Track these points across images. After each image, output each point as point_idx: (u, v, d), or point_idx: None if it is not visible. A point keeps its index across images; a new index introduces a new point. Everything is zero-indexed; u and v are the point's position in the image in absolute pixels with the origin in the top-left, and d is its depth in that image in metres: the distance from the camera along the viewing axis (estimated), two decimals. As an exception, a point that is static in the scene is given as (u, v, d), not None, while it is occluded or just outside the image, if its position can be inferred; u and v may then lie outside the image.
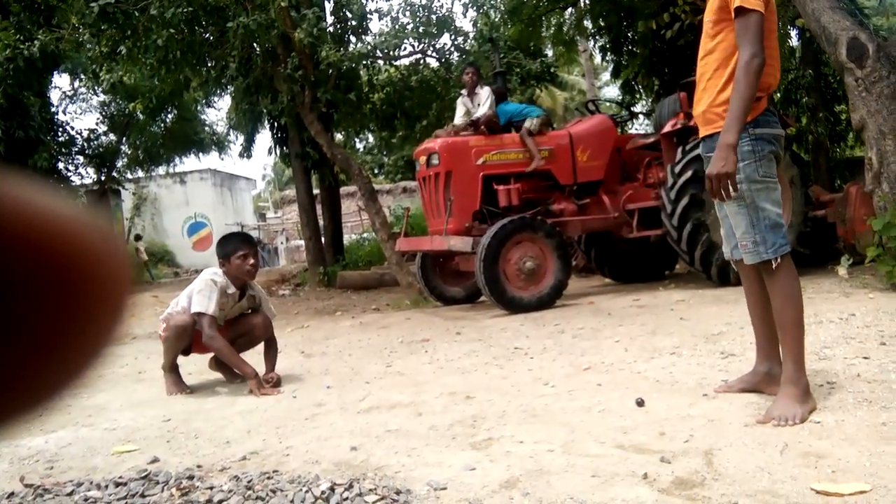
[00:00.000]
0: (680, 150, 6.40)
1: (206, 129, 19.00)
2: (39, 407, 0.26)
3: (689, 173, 6.09)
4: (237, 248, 3.72)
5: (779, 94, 10.14)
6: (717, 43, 2.54)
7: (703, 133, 2.66)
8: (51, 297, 0.24)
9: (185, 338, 3.76)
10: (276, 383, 3.72)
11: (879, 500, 1.68)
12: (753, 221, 2.46)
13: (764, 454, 2.04)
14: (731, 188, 2.40)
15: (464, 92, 7.11)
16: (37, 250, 0.23)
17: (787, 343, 2.46)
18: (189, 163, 20.69)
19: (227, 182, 26.74)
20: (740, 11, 2.39)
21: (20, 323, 0.23)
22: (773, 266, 2.44)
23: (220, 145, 19.37)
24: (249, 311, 3.97)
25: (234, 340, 3.86)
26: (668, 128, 6.72)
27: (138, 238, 19.70)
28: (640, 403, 2.71)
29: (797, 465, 1.93)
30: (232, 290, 3.77)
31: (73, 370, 0.26)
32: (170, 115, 16.86)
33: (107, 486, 2.27)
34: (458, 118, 7.04)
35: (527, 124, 6.61)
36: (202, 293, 3.66)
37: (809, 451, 2.04)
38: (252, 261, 3.75)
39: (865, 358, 3.06)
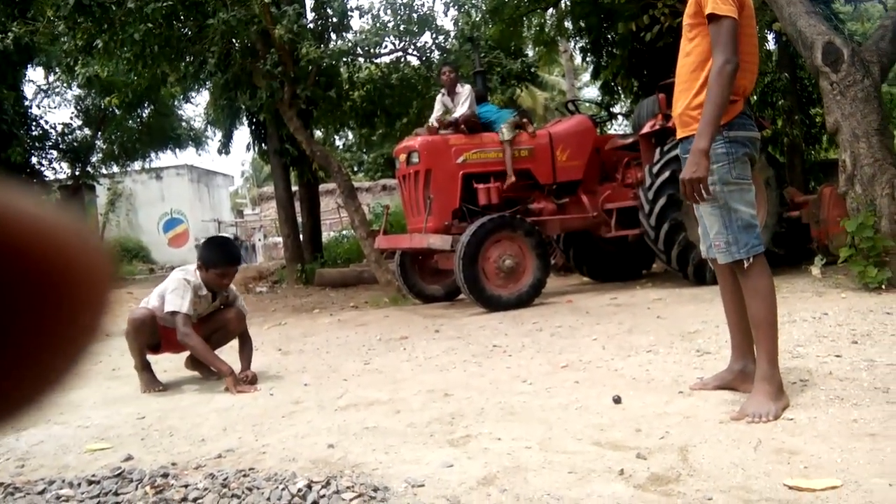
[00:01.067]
0: (658, 150, 6.45)
1: (184, 124, 18.80)
2: (23, 410, 0.25)
3: (666, 174, 6.15)
4: (218, 265, 3.66)
5: (755, 97, 10.26)
6: (693, 46, 2.58)
7: (679, 135, 2.69)
8: (29, 300, 0.23)
9: (144, 332, 3.69)
10: (253, 380, 3.69)
11: (850, 495, 1.71)
12: (726, 222, 2.50)
13: (738, 450, 2.07)
14: (703, 192, 2.44)
15: (443, 90, 7.10)
16: (13, 253, 0.23)
17: (761, 341, 2.49)
18: (165, 158, 20.50)
19: (205, 178, 26.46)
20: (713, 18, 2.43)
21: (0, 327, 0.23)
22: (746, 266, 2.48)
23: (198, 141, 19.17)
24: (222, 307, 3.93)
25: (208, 337, 3.82)
26: (646, 129, 6.78)
27: None
28: (617, 401, 2.73)
29: (770, 462, 1.96)
30: (204, 291, 3.74)
31: (55, 373, 0.25)
32: (146, 110, 16.66)
33: (79, 485, 2.24)
34: (435, 117, 7.03)
35: (500, 136, 6.60)
36: (175, 292, 3.62)
37: (782, 447, 2.07)
38: (227, 280, 3.74)
39: (837, 356, 3.11)
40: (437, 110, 7.07)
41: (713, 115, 2.41)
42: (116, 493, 2.14)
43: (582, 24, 11.03)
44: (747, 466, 1.94)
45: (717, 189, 2.49)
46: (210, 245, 3.76)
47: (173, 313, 3.60)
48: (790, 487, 1.78)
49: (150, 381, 3.79)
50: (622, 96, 12.04)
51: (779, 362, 2.51)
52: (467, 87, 6.93)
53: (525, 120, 6.96)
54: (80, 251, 0.25)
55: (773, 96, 10.14)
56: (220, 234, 4.50)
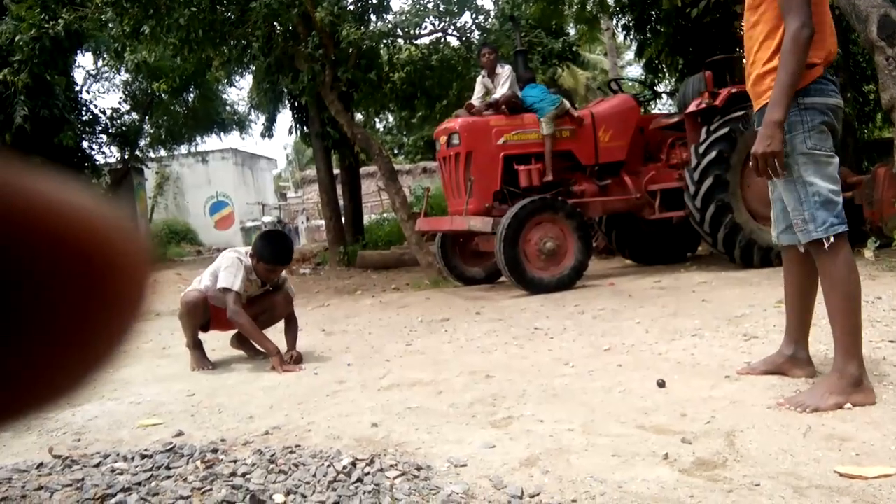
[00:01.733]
0: (704, 130, 6.30)
1: (228, 108, 19.06)
2: (66, 394, 0.26)
3: (713, 154, 6.01)
4: (270, 261, 3.74)
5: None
6: (760, 14, 2.44)
7: (756, 107, 2.53)
8: (69, 289, 0.24)
9: (197, 314, 3.80)
10: (298, 360, 3.77)
11: (904, 483, 1.66)
12: (801, 197, 2.34)
13: (787, 436, 2.03)
14: (778, 167, 2.31)
15: (484, 72, 7.05)
16: (54, 243, 0.24)
17: (835, 331, 2.33)
18: (211, 142, 20.85)
19: (249, 161, 26.86)
20: None
21: (40, 315, 0.24)
22: (826, 246, 2.30)
23: (242, 125, 19.44)
24: (270, 289, 4.01)
25: (255, 318, 3.90)
26: (692, 107, 6.62)
27: None
28: (661, 385, 2.70)
29: (820, 448, 1.92)
30: (254, 276, 3.84)
31: (94, 358, 0.26)
32: (192, 95, 16.93)
33: (133, 458, 2.32)
34: (476, 98, 6.98)
35: (541, 129, 6.49)
36: (228, 269, 3.73)
37: (833, 433, 2.02)
38: (273, 276, 3.84)
39: (892, 342, 3.02)
40: (478, 92, 7.03)
41: (788, 84, 2.26)
42: (168, 468, 2.21)
43: (625, 1, 10.80)
44: (796, 452, 1.90)
45: (790, 161, 2.34)
46: (266, 239, 3.82)
47: (225, 290, 3.69)
48: (841, 475, 1.74)
49: (201, 360, 3.90)
50: (667, 74, 11.78)
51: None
52: (507, 67, 6.86)
53: (569, 108, 6.77)
54: (119, 237, 0.26)
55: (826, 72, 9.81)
56: (278, 230, 4.58)
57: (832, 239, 2.29)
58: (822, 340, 3.09)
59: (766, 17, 2.43)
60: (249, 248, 3.86)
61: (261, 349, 3.84)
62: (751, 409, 2.31)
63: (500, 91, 6.70)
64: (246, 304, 3.89)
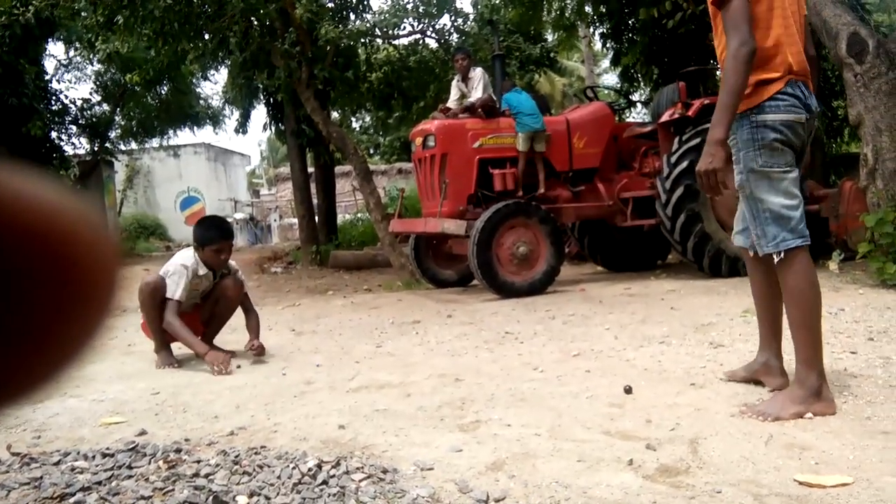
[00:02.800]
0: (677, 140, 6.39)
1: (202, 102, 18.85)
2: (32, 393, 0.26)
3: (684, 164, 6.09)
4: (213, 240, 3.76)
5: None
6: (720, 35, 2.49)
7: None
8: (36, 285, 0.24)
9: (158, 297, 3.74)
10: (259, 351, 3.76)
11: (861, 493, 1.70)
12: (754, 213, 2.39)
13: (749, 444, 2.06)
14: (720, 184, 2.36)
15: (458, 76, 7.07)
16: (19, 238, 0.23)
17: (796, 342, 2.37)
18: (183, 136, 20.57)
19: (222, 157, 26.57)
20: (721, 3, 2.33)
21: (5, 312, 0.23)
22: (776, 261, 2.36)
23: (216, 119, 19.23)
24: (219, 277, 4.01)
25: (211, 312, 4.02)
26: (665, 117, 6.71)
27: None
28: (628, 391, 2.73)
29: (781, 457, 1.95)
30: (204, 271, 3.85)
31: (62, 356, 0.26)
32: (165, 87, 16.71)
33: (94, 457, 2.28)
34: (452, 101, 7.00)
35: (516, 144, 6.45)
36: (172, 278, 3.74)
37: (794, 442, 2.06)
38: (224, 255, 3.81)
39: (853, 353, 3.09)
40: (454, 95, 7.04)
41: (727, 103, 2.30)
42: (130, 467, 2.17)
43: (602, 10, 10.90)
44: (757, 461, 1.93)
45: (742, 178, 2.40)
46: (202, 224, 3.87)
47: (167, 299, 3.71)
48: (800, 483, 1.77)
49: (167, 357, 3.85)
50: (642, 84, 11.91)
51: (823, 366, 2.36)
52: (479, 70, 6.87)
53: (548, 137, 6.70)
54: (86, 233, 0.25)
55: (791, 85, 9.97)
56: (210, 215, 4.66)
57: (782, 254, 2.34)
58: (785, 350, 3.15)
59: (721, 33, 2.47)
60: (190, 249, 3.88)
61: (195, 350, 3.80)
62: (714, 417, 2.35)
63: (476, 94, 6.71)
64: (200, 302, 3.97)
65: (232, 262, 4.03)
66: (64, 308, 0.25)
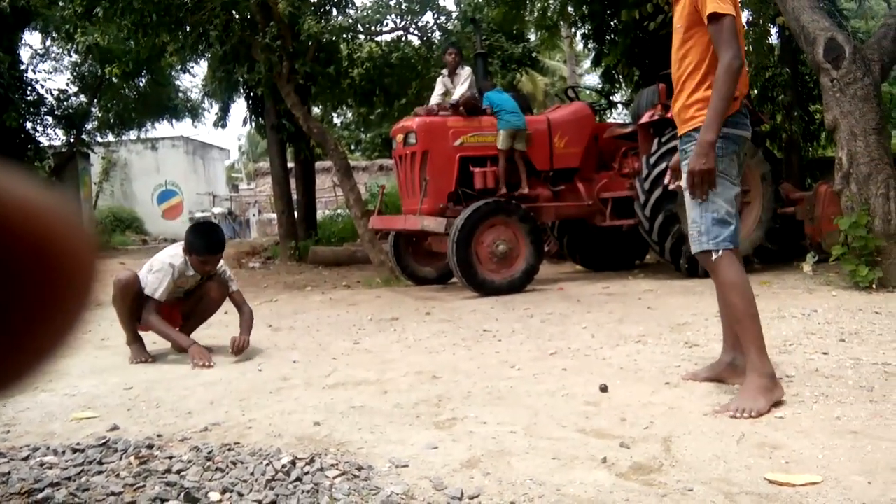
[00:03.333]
0: (656, 141, 6.44)
1: (181, 95, 18.63)
2: (8, 387, 0.26)
3: (663, 165, 6.13)
4: (201, 252, 3.70)
5: (755, 91, 10.23)
6: (690, 46, 2.59)
7: (680, 132, 2.69)
8: (12, 280, 0.23)
9: (130, 294, 3.68)
10: (241, 347, 3.72)
11: (829, 491, 1.73)
12: (702, 211, 2.52)
13: (721, 443, 2.08)
14: (710, 184, 2.47)
15: (444, 72, 7.06)
16: (4, 237, 0.23)
17: (744, 334, 2.50)
18: (161, 129, 20.31)
19: (200, 151, 26.28)
20: (714, 17, 2.44)
21: None
22: (714, 258, 2.49)
23: (195, 113, 19.02)
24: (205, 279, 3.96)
25: (192, 309, 3.99)
26: (645, 118, 6.76)
27: None
28: (604, 389, 2.74)
29: (752, 455, 1.98)
30: (192, 272, 3.80)
31: (39, 350, 0.26)
32: (144, 80, 16.50)
33: (63, 452, 2.24)
34: (436, 97, 6.99)
35: (497, 141, 6.44)
36: (156, 275, 3.69)
37: (765, 441, 2.08)
38: (208, 267, 3.78)
39: (824, 354, 3.13)
40: (438, 90, 7.03)
41: (721, 109, 2.43)
42: (101, 462, 2.15)
43: (585, 10, 10.95)
44: (729, 459, 1.95)
45: (699, 180, 2.51)
46: (195, 231, 3.79)
47: (147, 297, 3.66)
48: (770, 482, 1.79)
49: (140, 352, 3.81)
50: (623, 85, 11.99)
51: (767, 352, 2.51)
52: (468, 69, 6.89)
53: (529, 135, 6.69)
54: (62, 227, 0.25)
55: (774, 91, 10.11)
56: (206, 221, 4.56)
57: (720, 252, 2.48)
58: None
59: (694, 50, 2.58)
60: (178, 247, 3.82)
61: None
62: (688, 416, 2.37)
63: (459, 90, 6.71)
64: (183, 298, 3.92)
65: (222, 264, 3.97)
66: (40, 303, 0.25)
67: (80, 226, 0.26)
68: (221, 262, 3.96)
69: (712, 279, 2.59)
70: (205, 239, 3.74)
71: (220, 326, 4.48)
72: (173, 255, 3.76)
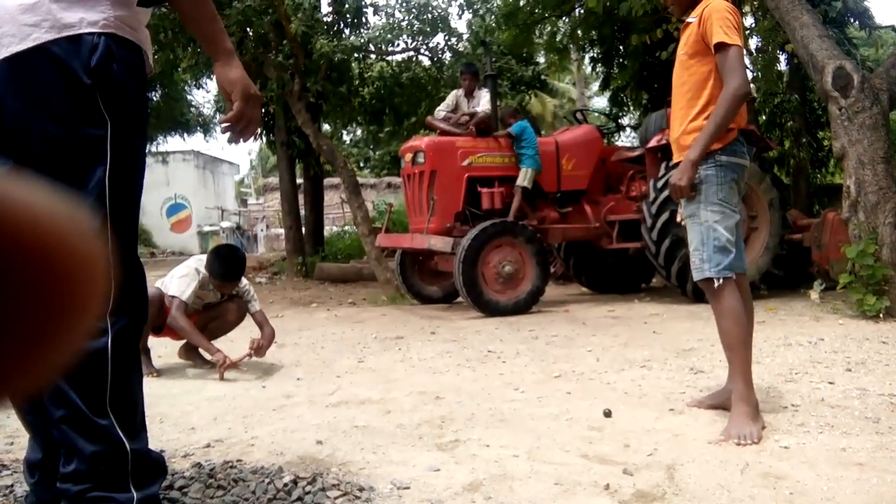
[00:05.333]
0: (664, 165, 6.45)
1: (193, 109, 18.80)
2: (19, 393, 0.26)
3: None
4: (221, 277, 3.72)
5: (764, 117, 10.25)
6: (690, 75, 2.63)
7: (675, 159, 2.72)
8: (26, 288, 0.24)
9: (152, 312, 3.66)
10: (258, 352, 3.74)
11: (833, 524, 1.71)
12: (704, 239, 2.55)
13: (725, 472, 2.07)
14: (685, 195, 2.56)
15: (461, 91, 7.12)
16: (14, 245, 0.23)
17: (736, 362, 2.52)
18: (172, 143, 20.47)
19: (210, 165, 26.48)
20: (721, 46, 2.47)
21: None
22: (715, 286, 2.52)
23: (206, 127, 19.17)
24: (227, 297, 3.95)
25: (206, 323, 3.93)
26: (653, 143, 6.77)
27: None
28: (608, 414, 2.73)
29: (756, 486, 1.96)
30: (212, 286, 3.82)
31: (47, 360, 0.26)
32: (157, 94, 16.66)
33: (66, 466, 2.24)
34: (445, 108, 7.03)
35: (519, 178, 6.49)
36: (183, 279, 3.70)
37: (769, 471, 2.07)
38: (225, 290, 3.83)
39: (831, 383, 3.11)
40: (448, 103, 7.08)
41: (713, 133, 2.46)
42: (103, 478, 2.14)
43: (594, 35, 11.02)
44: (733, 489, 1.94)
45: (701, 208, 2.55)
46: (216, 255, 3.79)
47: (173, 297, 3.64)
48: (774, 512, 1.78)
49: (146, 365, 3.79)
50: (631, 108, 12.03)
51: (755, 384, 2.53)
52: (485, 89, 6.96)
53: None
54: (74, 239, 0.26)
55: (783, 117, 10.13)
56: (229, 245, 4.55)
57: (721, 280, 2.51)
58: (763, 378, 3.17)
59: (693, 78, 2.62)
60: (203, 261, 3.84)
61: (208, 357, 3.78)
62: (692, 444, 2.35)
63: (483, 107, 6.75)
64: (201, 310, 3.89)
65: (244, 282, 3.96)
66: (47, 312, 0.25)
67: (94, 238, 0.27)
68: (245, 281, 3.97)
69: (711, 305, 2.62)
70: (224, 265, 3.74)
71: (224, 341, 4.49)
72: (201, 262, 3.79)
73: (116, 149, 1.44)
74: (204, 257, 3.83)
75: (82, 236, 0.26)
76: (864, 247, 4.91)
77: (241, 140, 1.73)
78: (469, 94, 6.99)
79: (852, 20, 9.66)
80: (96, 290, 0.26)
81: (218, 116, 18.17)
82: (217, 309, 3.96)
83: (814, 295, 5.86)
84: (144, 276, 1.63)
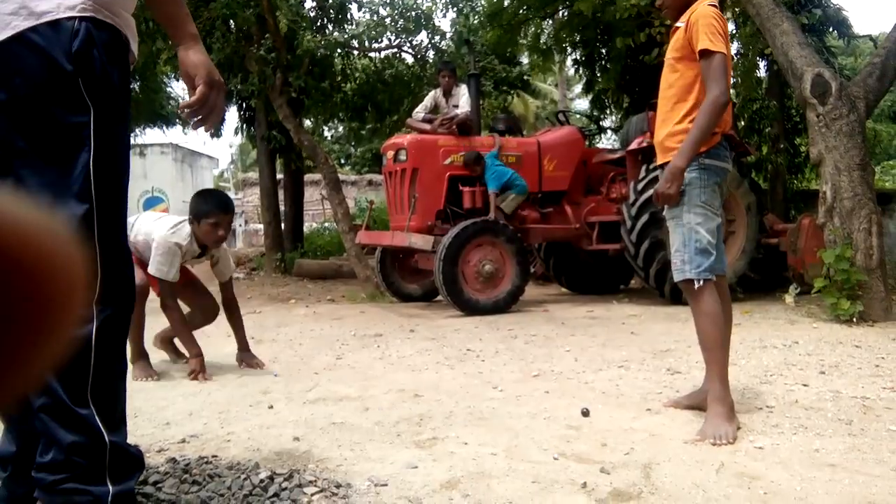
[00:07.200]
0: (644, 167, 6.50)
1: (173, 102, 18.58)
2: (8, 396, 0.26)
3: (650, 191, 6.19)
4: (210, 212, 3.37)
5: (742, 123, 10.37)
6: (676, 78, 2.64)
7: (660, 161, 2.74)
8: (6, 298, 0.23)
9: (142, 303, 3.52)
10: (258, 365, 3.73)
11: (806, 523, 1.73)
12: (686, 241, 2.57)
13: (700, 472, 2.09)
14: (671, 202, 2.57)
15: (439, 91, 7.11)
16: None
17: (713, 363, 2.55)
18: (151, 135, 20.25)
19: (189, 158, 26.19)
20: (705, 53, 2.49)
21: None
22: (695, 286, 2.55)
23: (185, 120, 18.98)
24: (210, 261, 3.74)
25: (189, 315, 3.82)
26: (634, 145, 6.82)
27: None
28: (585, 413, 2.74)
29: (731, 485, 1.98)
30: (194, 245, 3.51)
31: (33, 361, 0.25)
32: (136, 85, 16.45)
33: (37, 460, 2.20)
34: (423, 111, 7.02)
35: (501, 204, 6.45)
36: (164, 257, 3.41)
37: (744, 471, 2.09)
38: (221, 231, 3.43)
39: (805, 385, 3.15)
40: (427, 104, 7.06)
41: (697, 140, 2.49)
42: (75, 472, 2.11)
43: (577, 37, 11.08)
44: (708, 488, 1.96)
45: (684, 210, 2.57)
46: (201, 196, 3.51)
47: (159, 280, 3.46)
48: (748, 512, 1.79)
49: (144, 369, 3.59)
50: (612, 110, 12.11)
51: (732, 386, 2.56)
52: (464, 86, 6.95)
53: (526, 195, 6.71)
54: (55, 248, 0.25)
55: (761, 123, 10.25)
56: (211, 188, 4.43)
57: (701, 281, 2.54)
58: (738, 379, 3.21)
59: (680, 81, 2.63)
60: (182, 221, 3.53)
61: (184, 352, 3.72)
62: (669, 443, 2.37)
63: (465, 107, 6.73)
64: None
65: (225, 248, 3.74)
66: (30, 321, 0.25)
67: (74, 247, 0.26)
68: (226, 247, 3.77)
69: (690, 306, 2.65)
70: (212, 197, 3.49)
71: (200, 335, 4.44)
72: (178, 234, 3.47)
73: (100, 136, 1.42)
74: (182, 230, 3.49)
75: (51, 233, 0.25)
76: (840, 252, 4.98)
77: (204, 127, 1.70)
78: (448, 93, 6.98)
79: (831, 29, 9.79)
80: (74, 286, 0.26)
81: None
82: (196, 295, 3.84)
83: (789, 299, 5.94)
84: (132, 266, 1.60)
